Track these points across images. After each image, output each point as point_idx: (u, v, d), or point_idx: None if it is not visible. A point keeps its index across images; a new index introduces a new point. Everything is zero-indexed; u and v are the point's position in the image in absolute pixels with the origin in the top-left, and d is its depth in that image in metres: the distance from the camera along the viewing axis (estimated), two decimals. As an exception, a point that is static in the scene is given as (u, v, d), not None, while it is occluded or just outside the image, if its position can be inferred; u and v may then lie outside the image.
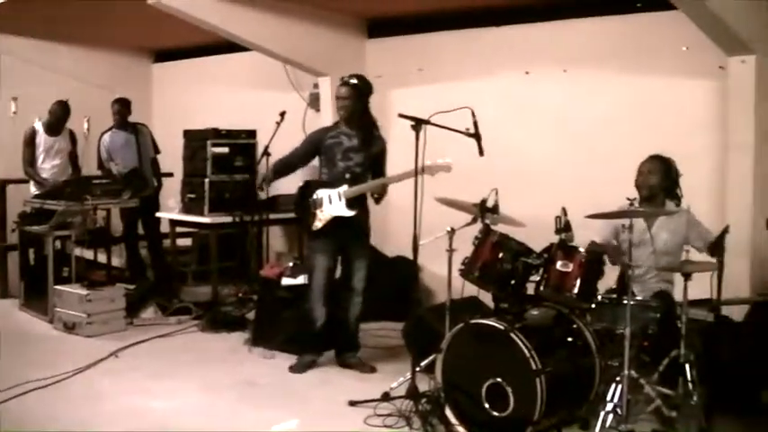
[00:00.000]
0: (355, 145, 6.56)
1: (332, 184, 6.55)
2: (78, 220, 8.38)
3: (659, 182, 5.95)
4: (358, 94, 6.53)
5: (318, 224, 6.57)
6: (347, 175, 6.52)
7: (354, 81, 6.54)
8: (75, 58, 11.22)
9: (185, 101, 11.30)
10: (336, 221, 6.53)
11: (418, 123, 5.58)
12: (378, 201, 6.63)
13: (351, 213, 6.49)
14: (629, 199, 5.53)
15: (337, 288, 6.80)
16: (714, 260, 5.34)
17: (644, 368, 5.58)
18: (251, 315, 8.03)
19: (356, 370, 6.73)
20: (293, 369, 6.71)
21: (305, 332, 6.80)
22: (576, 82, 7.81)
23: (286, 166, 6.84)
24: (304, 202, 6.66)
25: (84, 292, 7.76)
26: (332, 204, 6.50)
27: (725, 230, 5.26)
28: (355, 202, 6.51)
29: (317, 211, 6.55)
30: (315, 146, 6.69)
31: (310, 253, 6.81)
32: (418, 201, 5.52)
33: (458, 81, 8.39)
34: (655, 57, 7.25)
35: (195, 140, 8.95)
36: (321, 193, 6.55)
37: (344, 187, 6.48)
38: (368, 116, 6.63)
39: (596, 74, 7.66)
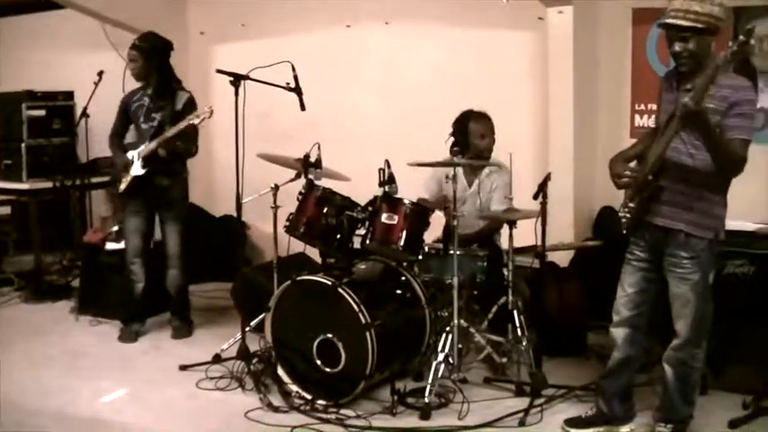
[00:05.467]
0: (155, 105, 6.43)
1: (137, 145, 6.42)
2: None
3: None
4: (146, 55, 6.39)
5: (122, 186, 6.46)
6: (149, 136, 6.38)
7: (138, 42, 6.42)
8: None
9: (-1, 62, 10.81)
10: (142, 183, 6.39)
11: (237, 79, 5.47)
12: (183, 157, 6.52)
13: (141, 172, 6.34)
14: (452, 152, 5.58)
15: (157, 252, 6.71)
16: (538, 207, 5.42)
17: (474, 317, 5.68)
18: (76, 283, 7.82)
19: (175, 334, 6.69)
20: (121, 339, 6.56)
21: (129, 298, 6.66)
22: (399, 35, 7.82)
23: (121, 143, 6.60)
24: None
25: None
26: (132, 165, 6.39)
27: (547, 178, 5.32)
28: (153, 162, 6.35)
29: (123, 173, 6.44)
30: (125, 111, 6.57)
31: (124, 216, 6.66)
32: (240, 158, 5.41)
33: (280, 36, 8.26)
34: (476, 9, 7.30)
35: (9, 103, 8.53)
36: (128, 155, 6.44)
37: (142, 147, 6.35)
38: (164, 73, 6.47)
39: (419, 26, 7.69)
